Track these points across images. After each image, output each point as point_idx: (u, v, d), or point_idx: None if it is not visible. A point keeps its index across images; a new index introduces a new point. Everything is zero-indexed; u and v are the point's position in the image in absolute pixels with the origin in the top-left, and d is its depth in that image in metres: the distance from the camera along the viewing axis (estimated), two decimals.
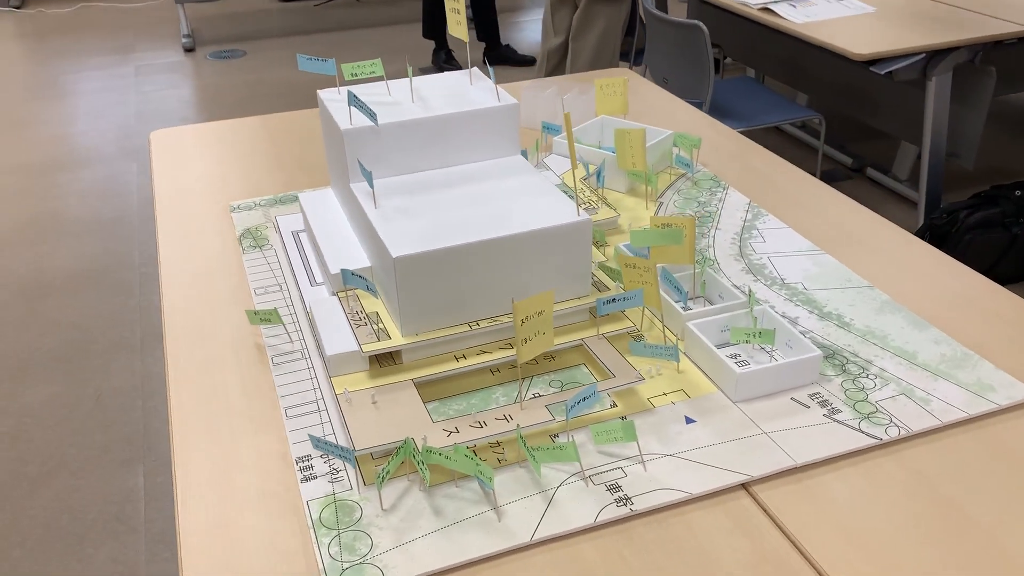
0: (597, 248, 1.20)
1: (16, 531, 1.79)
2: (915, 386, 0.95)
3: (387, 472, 0.80)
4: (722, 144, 1.58)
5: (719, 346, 1.01)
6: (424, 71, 4.48)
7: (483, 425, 0.87)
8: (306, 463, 0.87)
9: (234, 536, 0.80)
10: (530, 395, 0.96)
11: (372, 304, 1.01)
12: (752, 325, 1.01)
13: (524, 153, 1.26)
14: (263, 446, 0.90)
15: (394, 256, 0.90)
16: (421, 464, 0.81)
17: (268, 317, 1.05)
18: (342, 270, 0.99)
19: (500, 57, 4.48)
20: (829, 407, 0.92)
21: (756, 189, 1.41)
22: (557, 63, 3.08)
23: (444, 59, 4.45)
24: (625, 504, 0.81)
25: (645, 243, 1.07)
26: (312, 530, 0.79)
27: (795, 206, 1.35)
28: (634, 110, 1.75)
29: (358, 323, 0.98)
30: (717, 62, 4.16)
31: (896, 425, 0.89)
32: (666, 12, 3.70)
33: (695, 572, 0.75)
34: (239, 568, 0.76)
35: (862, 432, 0.89)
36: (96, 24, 5.44)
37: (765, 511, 0.81)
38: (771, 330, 0.97)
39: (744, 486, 0.84)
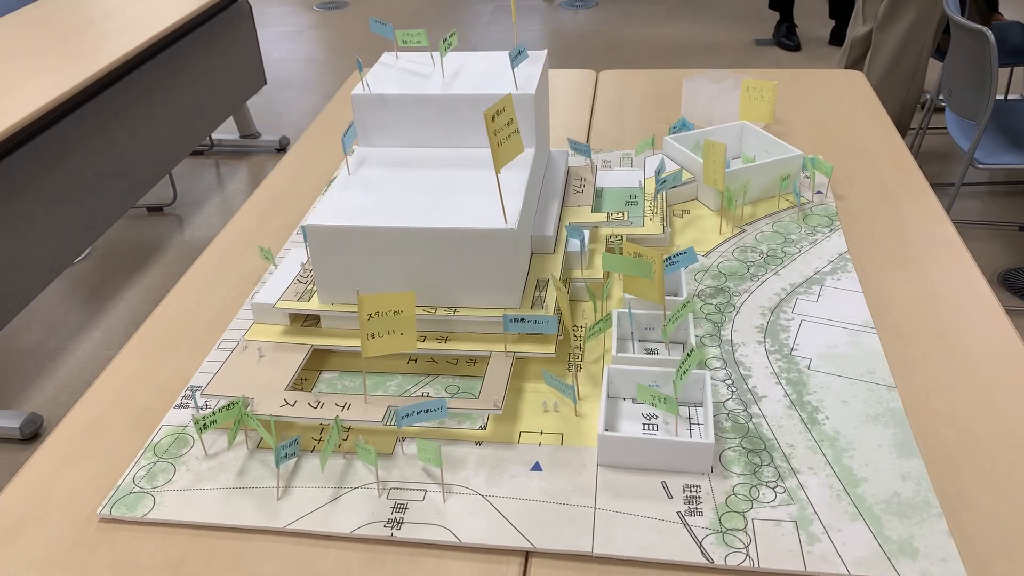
0: None
1: None
2: (821, 519, 0.76)
3: (212, 421, 0.85)
4: (891, 181, 1.32)
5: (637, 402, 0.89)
6: (760, 43, 4.22)
7: (319, 406, 0.87)
8: (190, 393, 0.95)
9: (92, 431, 0.90)
10: (420, 392, 0.94)
11: None
12: (674, 389, 0.87)
13: (577, 146, 1.19)
14: (180, 368, 0.99)
15: (306, 223, 0.93)
16: (236, 424, 0.85)
17: (267, 255, 1.13)
18: (302, 227, 1.03)
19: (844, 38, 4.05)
20: (693, 505, 0.78)
21: (871, 240, 1.17)
22: (860, 54, 2.72)
23: (784, 33, 4.14)
24: (391, 527, 0.77)
25: (612, 268, 0.96)
26: (141, 451, 0.87)
27: (903, 272, 1.10)
28: (815, 119, 1.52)
29: (300, 281, 1.02)
30: None
31: (745, 554, 0.73)
32: None
33: None
34: (72, 452, 0.87)
35: (698, 547, 0.74)
36: None
37: (590, 558, 0.72)
38: (674, 399, 0.83)
39: (527, 554, 0.75)
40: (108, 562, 0.76)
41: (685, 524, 0.76)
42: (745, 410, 0.89)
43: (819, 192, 1.29)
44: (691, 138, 1.36)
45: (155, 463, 0.86)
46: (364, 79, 1.07)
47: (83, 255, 2.68)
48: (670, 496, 0.79)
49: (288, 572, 0.74)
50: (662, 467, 0.82)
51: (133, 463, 0.86)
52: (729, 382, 0.93)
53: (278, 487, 0.82)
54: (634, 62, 4.08)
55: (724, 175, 1.18)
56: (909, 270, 1.10)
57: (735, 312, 1.04)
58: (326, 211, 0.95)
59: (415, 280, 0.94)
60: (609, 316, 0.97)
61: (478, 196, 0.97)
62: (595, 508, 0.78)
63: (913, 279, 1.08)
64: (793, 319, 1.02)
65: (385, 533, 0.77)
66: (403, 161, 1.06)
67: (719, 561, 0.73)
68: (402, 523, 0.78)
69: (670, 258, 1.03)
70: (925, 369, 0.94)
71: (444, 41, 1.11)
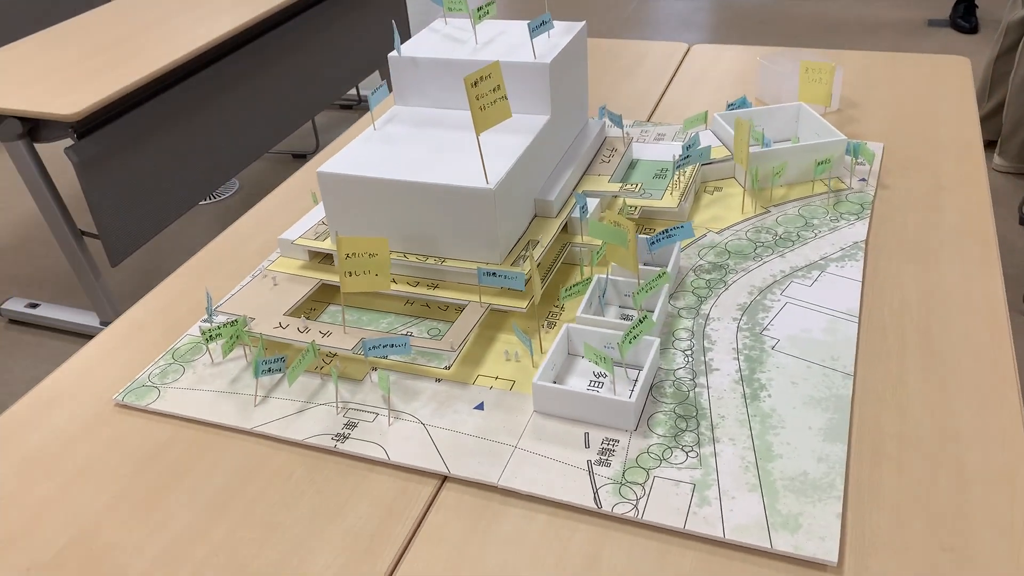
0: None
1: None
2: (720, 485, 0.79)
3: (217, 334, 0.99)
4: (949, 174, 1.28)
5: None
6: (933, 24, 3.95)
7: (305, 331, 0.99)
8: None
9: (132, 333, 1.07)
10: (405, 331, 1.03)
11: None
12: (620, 351, 0.91)
13: (612, 117, 1.23)
14: (216, 289, 1.14)
15: (318, 170, 1.04)
16: (232, 339, 0.98)
17: (315, 199, 1.26)
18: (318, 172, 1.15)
19: None
20: (605, 456, 0.83)
21: (897, 231, 1.14)
22: (1015, 40, 2.51)
23: (960, 14, 3.85)
24: (336, 440, 0.88)
25: (595, 235, 1.01)
26: (163, 354, 1.03)
27: (915, 265, 1.08)
28: (896, 105, 1.47)
29: (323, 223, 1.14)
30: None
31: (633, 506, 0.78)
32: None
33: (312, 518, 0.80)
34: (113, 348, 1.03)
35: (593, 493, 0.79)
36: None
37: (428, 505, 0.81)
38: (609, 360, 0.88)
39: (444, 478, 0.83)
40: (110, 437, 0.91)
41: (591, 472, 0.82)
42: (693, 379, 0.92)
43: (862, 180, 1.27)
44: (742, 116, 1.36)
45: (170, 364, 1.01)
46: (397, 43, 1.16)
47: (231, 191, 2.97)
48: (587, 446, 0.85)
49: (243, 466, 0.87)
50: (587, 419, 0.87)
51: (153, 362, 1.01)
52: (689, 352, 0.96)
53: (255, 395, 0.94)
54: (787, 39, 3.94)
55: (747, 153, 1.19)
56: (923, 263, 1.07)
57: (724, 289, 1.06)
58: (339, 160, 1.05)
59: (409, 229, 1.03)
60: (590, 280, 1.02)
61: (488, 154, 1.04)
62: (515, 447, 0.85)
63: (923, 273, 1.06)
64: (779, 300, 1.03)
65: (330, 444, 0.88)
66: (427, 120, 1.15)
67: (606, 508, 0.78)
68: (347, 438, 0.88)
69: (667, 231, 1.07)
70: (893, 362, 0.93)
71: (479, 10, 1.18)
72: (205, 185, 2.33)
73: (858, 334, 0.97)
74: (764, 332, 0.98)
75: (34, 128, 1.91)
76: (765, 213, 1.21)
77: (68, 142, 1.88)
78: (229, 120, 2.39)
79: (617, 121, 1.29)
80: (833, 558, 0.72)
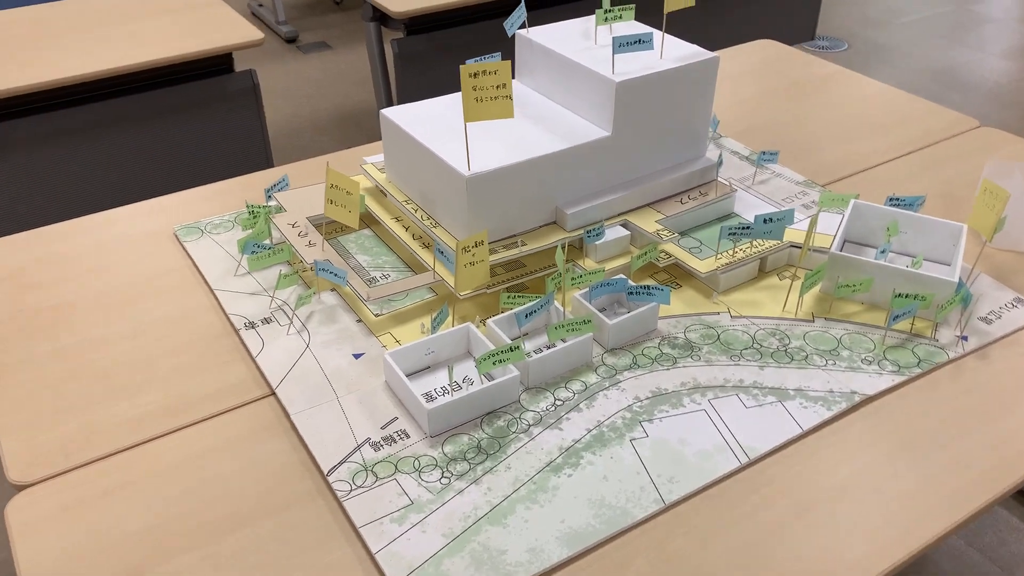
0: (640, 255, 1.11)
1: None
2: (428, 518, 0.81)
3: (252, 210, 1.19)
4: None
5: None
6: None
7: (303, 235, 1.14)
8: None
9: (248, 185, 1.32)
10: (385, 271, 1.14)
11: None
12: (479, 366, 0.93)
13: (719, 164, 1.18)
14: (315, 179, 1.35)
15: (381, 111, 1.16)
16: (255, 217, 1.18)
17: None
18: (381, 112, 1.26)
19: None
20: (385, 443, 0.88)
21: (919, 409, 0.95)
22: None
23: None
24: (247, 326, 1.04)
25: (558, 260, 1.01)
26: (232, 212, 1.26)
27: (894, 459, 0.90)
28: None
29: None
30: None
31: (350, 489, 0.83)
32: None
33: (170, 372, 0.99)
34: (233, 191, 1.30)
35: (339, 462, 0.86)
36: None
37: (240, 405, 0.94)
38: (451, 371, 0.91)
39: (273, 392, 0.96)
40: (147, 252, 1.18)
41: (359, 448, 0.88)
42: (529, 427, 0.91)
43: (963, 337, 1.03)
44: (884, 215, 1.17)
45: (228, 220, 1.24)
46: (519, 17, 1.20)
47: None
48: (383, 428, 0.90)
49: (184, 313, 1.07)
50: (406, 406, 0.92)
51: (222, 215, 1.26)
52: (559, 404, 0.94)
53: (238, 265, 1.14)
54: None
55: (993, 229, 1.04)
56: (905, 459, 0.88)
57: (664, 368, 0.99)
58: (402, 108, 1.17)
59: (422, 186, 1.12)
60: (541, 297, 1.03)
61: (512, 146, 1.07)
62: (337, 398, 0.94)
63: (885, 468, 0.88)
64: (699, 405, 0.94)
65: (240, 325, 1.04)
66: (516, 99, 1.19)
67: (332, 478, 0.84)
68: (254, 327, 1.04)
69: (648, 287, 1.03)
70: (721, 521, 0.81)
71: (605, 11, 1.17)
72: None
73: (728, 475, 0.86)
74: (644, 423, 0.91)
75: (384, 16, 2.26)
76: (807, 321, 1.06)
77: (399, 35, 2.20)
78: None
79: (718, 165, 1.20)
80: None
